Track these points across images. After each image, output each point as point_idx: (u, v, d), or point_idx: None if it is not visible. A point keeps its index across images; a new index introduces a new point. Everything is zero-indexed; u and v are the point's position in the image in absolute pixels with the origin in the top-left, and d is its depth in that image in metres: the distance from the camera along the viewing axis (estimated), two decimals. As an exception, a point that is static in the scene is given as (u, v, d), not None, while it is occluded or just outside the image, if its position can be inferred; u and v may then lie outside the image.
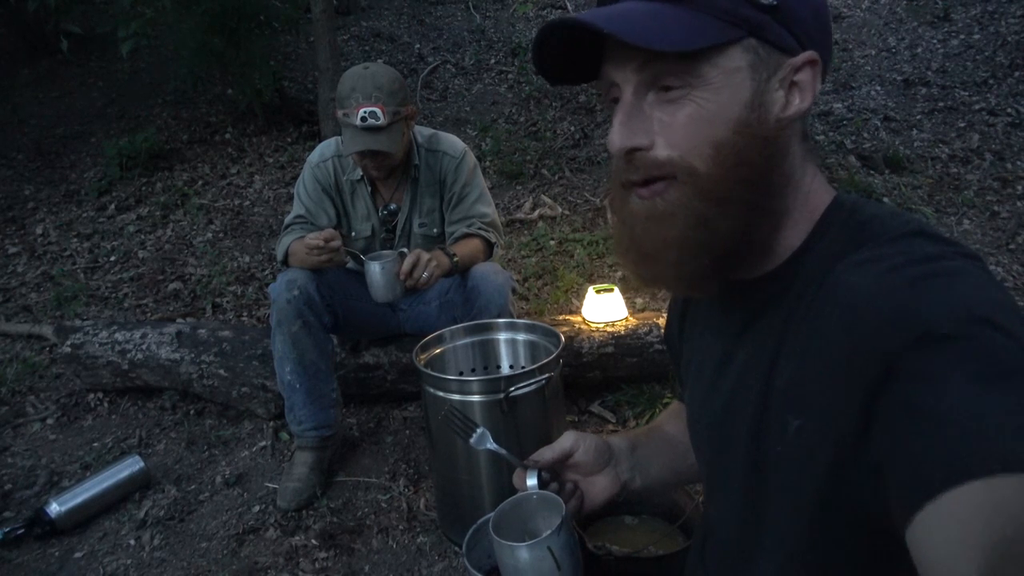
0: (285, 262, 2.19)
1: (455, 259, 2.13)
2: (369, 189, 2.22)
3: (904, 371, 0.57)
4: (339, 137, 2.20)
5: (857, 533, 0.67)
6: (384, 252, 2.09)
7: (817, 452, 0.65)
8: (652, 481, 1.04)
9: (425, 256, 2.02)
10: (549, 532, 0.90)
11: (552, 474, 1.01)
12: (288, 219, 2.26)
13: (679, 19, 0.66)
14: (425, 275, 2.00)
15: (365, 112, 1.97)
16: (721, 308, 0.81)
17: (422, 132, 2.26)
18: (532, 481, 0.97)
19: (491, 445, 1.15)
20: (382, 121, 1.98)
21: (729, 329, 0.79)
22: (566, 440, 1.00)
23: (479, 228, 2.23)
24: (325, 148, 2.25)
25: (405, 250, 2.09)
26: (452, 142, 2.27)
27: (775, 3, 0.67)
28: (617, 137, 0.70)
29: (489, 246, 2.25)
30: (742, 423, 0.75)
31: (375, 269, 1.99)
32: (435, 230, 2.25)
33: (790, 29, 0.68)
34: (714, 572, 0.88)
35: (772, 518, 0.75)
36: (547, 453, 1.00)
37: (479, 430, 1.18)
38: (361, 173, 2.19)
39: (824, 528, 0.68)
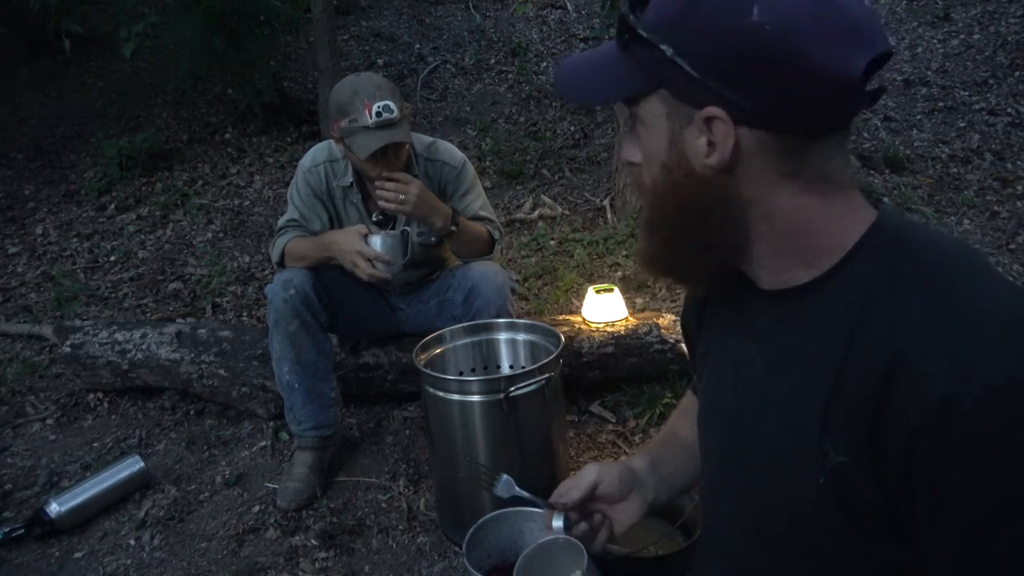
0: (281, 263, 2.19)
1: (455, 224, 2.08)
2: (360, 196, 2.19)
3: (957, 437, 0.59)
4: (330, 141, 2.14)
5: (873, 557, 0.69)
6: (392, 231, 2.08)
7: (860, 490, 0.67)
8: (677, 492, 1.08)
9: (414, 189, 1.96)
10: None
11: (580, 512, 1.02)
12: (282, 221, 2.23)
13: (616, 69, 0.74)
14: (391, 194, 1.95)
15: (379, 107, 1.91)
16: (741, 309, 0.81)
17: (421, 141, 2.22)
18: (558, 523, 0.97)
19: (517, 491, 1.17)
20: (396, 114, 1.94)
21: (749, 331, 0.80)
22: (589, 474, 1.02)
23: (487, 225, 2.24)
24: (317, 153, 2.21)
25: (408, 229, 2.07)
26: (451, 152, 2.24)
27: (672, 55, 0.68)
28: (622, 152, 0.84)
29: (492, 242, 2.25)
30: (758, 433, 0.76)
31: (375, 243, 2.00)
32: (433, 238, 2.22)
33: (704, 81, 0.67)
34: (713, 563, 0.89)
35: (776, 528, 0.76)
36: (574, 493, 1.02)
37: (503, 478, 1.20)
38: (351, 180, 2.14)
39: (843, 549, 0.70)
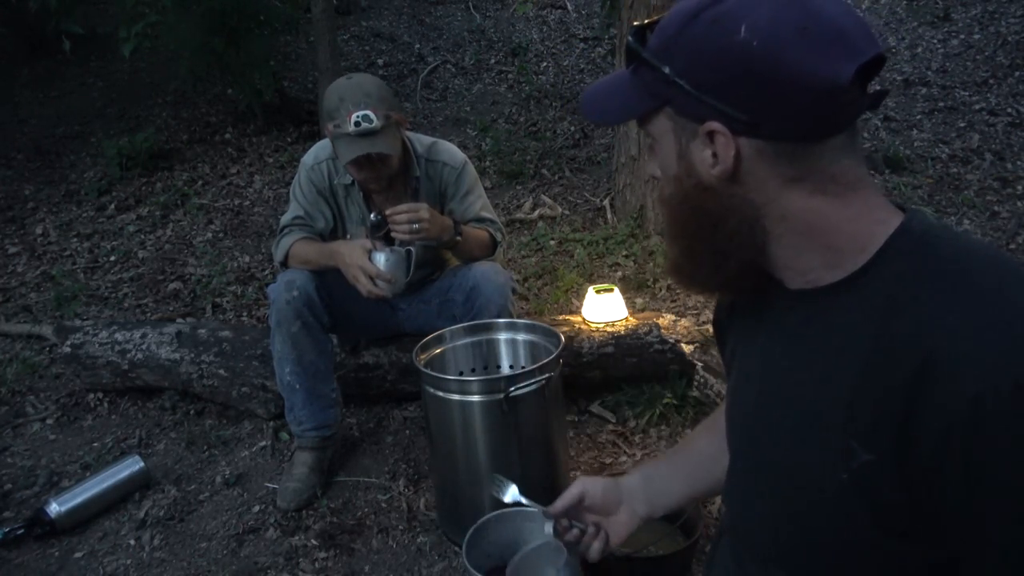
0: (284, 263, 2.18)
1: (458, 235, 2.10)
2: (361, 194, 2.18)
3: (989, 434, 0.60)
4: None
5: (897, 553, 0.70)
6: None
7: (885, 489, 0.68)
8: (674, 504, 1.17)
9: (425, 215, 1.97)
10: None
11: (575, 519, 1.14)
12: (285, 219, 2.23)
13: (626, 92, 0.80)
14: (405, 226, 1.96)
15: (358, 116, 1.91)
16: (769, 307, 0.84)
17: (421, 141, 2.22)
18: (548, 529, 1.10)
19: (520, 499, 1.32)
20: (376, 124, 1.92)
21: (776, 329, 0.82)
22: (575, 487, 1.14)
23: (489, 227, 2.24)
24: (320, 150, 2.20)
25: (412, 248, 2.07)
26: (452, 153, 2.24)
27: (671, 75, 0.73)
28: (646, 167, 0.92)
29: (494, 244, 2.26)
30: (781, 429, 0.78)
31: (379, 260, 1.99)
32: (434, 241, 2.22)
33: (702, 97, 0.71)
34: (731, 556, 0.91)
35: (795, 524, 0.78)
36: (559, 503, 1.14)
37: (509, 486, 1.36)
38: (352, 178, 2.14)
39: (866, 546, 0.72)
